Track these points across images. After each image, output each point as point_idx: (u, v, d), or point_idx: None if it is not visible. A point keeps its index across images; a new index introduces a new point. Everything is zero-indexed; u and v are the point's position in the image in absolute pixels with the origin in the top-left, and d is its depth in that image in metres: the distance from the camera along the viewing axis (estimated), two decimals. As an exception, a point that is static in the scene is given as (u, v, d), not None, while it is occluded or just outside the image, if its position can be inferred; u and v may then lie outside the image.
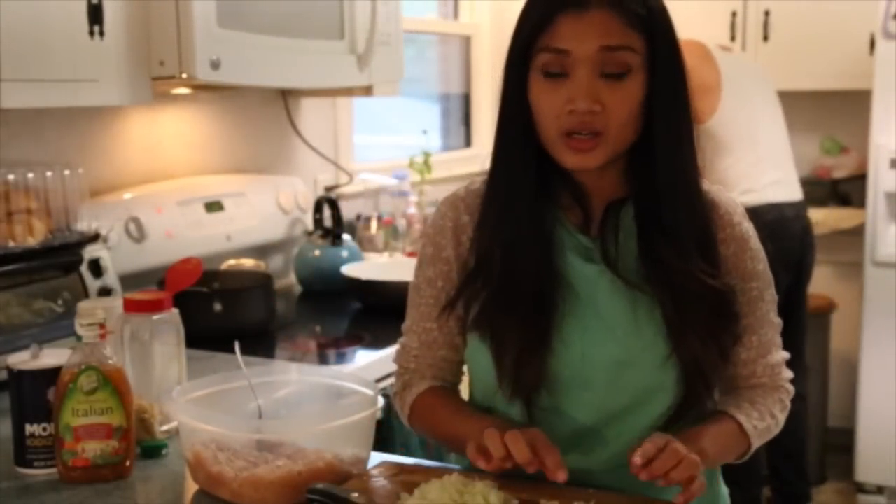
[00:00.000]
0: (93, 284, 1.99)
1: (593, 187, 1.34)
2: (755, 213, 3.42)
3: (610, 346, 1.30)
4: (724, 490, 1.47)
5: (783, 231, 3.26)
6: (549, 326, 1.30)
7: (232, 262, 2.55)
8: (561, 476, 1.18)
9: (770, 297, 1.40)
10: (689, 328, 1.28)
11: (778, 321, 1.41)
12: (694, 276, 1.28)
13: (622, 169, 1.32)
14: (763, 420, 1.36)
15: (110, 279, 2.04)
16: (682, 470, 1.17)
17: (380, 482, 1.31)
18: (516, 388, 1.31)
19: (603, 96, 1.23)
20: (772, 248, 3.39)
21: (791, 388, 1.42)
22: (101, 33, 1.85)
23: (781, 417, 1.40)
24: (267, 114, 2.87)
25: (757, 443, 1.36)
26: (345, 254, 2.76)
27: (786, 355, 1.42)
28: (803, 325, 3.45)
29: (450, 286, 1.38)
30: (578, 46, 1.23)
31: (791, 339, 3.33)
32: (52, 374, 1.39)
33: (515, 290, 1.30)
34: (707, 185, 1.36)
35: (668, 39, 1.28)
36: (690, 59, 3.43)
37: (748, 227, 1.39)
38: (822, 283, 4.03)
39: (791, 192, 3.35)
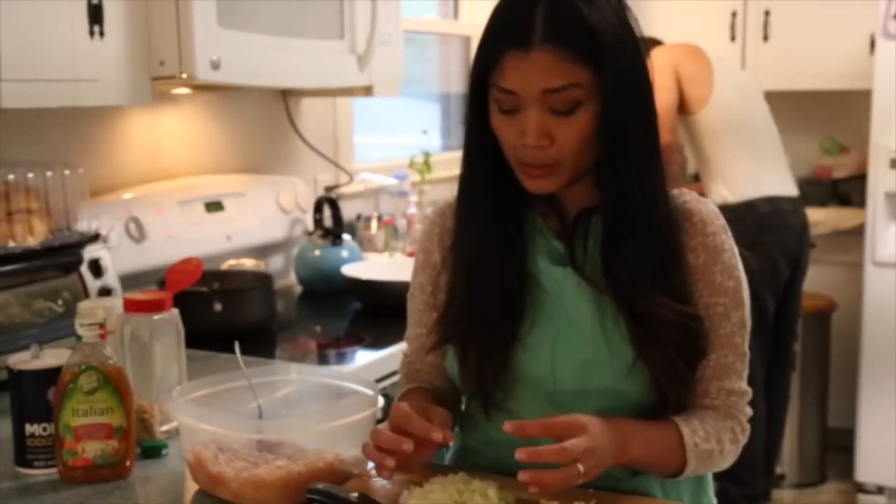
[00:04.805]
0: (93, 284, 1.99)
1: (566, 197, 1.35)
2: (751, 206, 3.49)
3: (578, 346, 1.30)
4: (713, 501, 1.46)
5: (781, 224, 3.29)
6: (516, 331, 1.32)
7: (232, 262, 2.55)
8: (437, 436, 1.19)
9: (738, 321, 1.33)
10: (651, 342, 1.27)
11: (745, 351, 1.35)
12: (650, 303, 1.27)
13: (593, 178, 1.32)
14: (708, 442, 1.29)
15: (110, 279, 2.04)
16: (556, 481, 1.15)
17: (380, 482, 1.31)
18: (477, 384, 1.33)
19: (553, 131, 1.24)
20: (770, 240, 3.43)
21: (746, 427, 1.36)
22: (101, 33, 1.85)
23: (730, 449, 1.33)
24: (267, 114, 2.87)
25: (694, 463, 1.29)
26: (345, 254, 2.76)
27: (748, 389, 1.36)
28: (795, 320, 3.47)
29: (438, 291, 1.40)
30: (524, 87, 1.23)
31: (781, 333, 3.37)
32: (52, 374, 1.39)
33: (479, 309, 1.33)
34: (686, 194, 1.35)
35: (619, 66, 1.24)
36: (681, 56, 3.47)
37: (724, 240, 1.33)
38: (822, 283, 4.02)
39: (788, 187, 3.37)
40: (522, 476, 1.14)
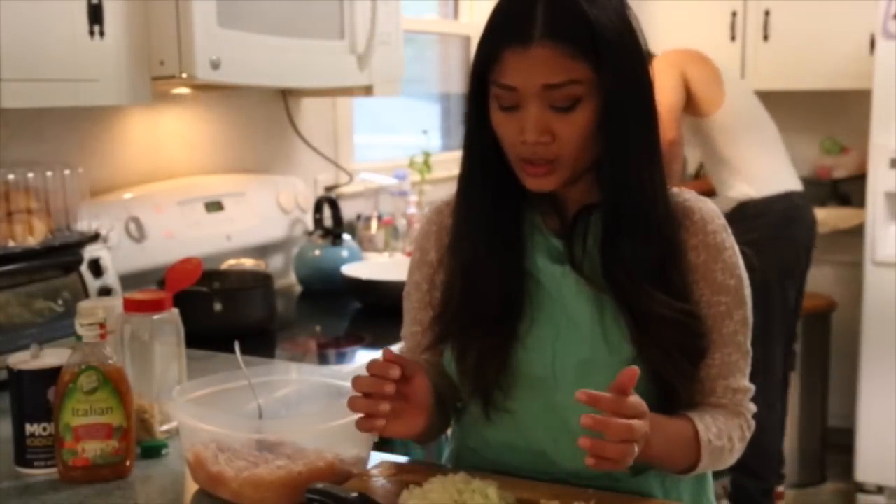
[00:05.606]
0: (93, 284, 1.99)
1: (566, 195, 1.35)
2: (773, 201, 3.55)
3: (578, 345, 1.30)
4: (713, 501, 1.47)
5: (798, 217, 3.35)
6: (516, 330, 1.32)
7: (232, 261, 2.55)
8: (394, 373, 1.18)
9: (740, 319, 1.34)
10: (651, 340, 1.27)
11: (748, 349, 1.36)
12: (650, 301, 1.27)
13: (593, 177, 1.32)
14: (720, 439, 1.30)
15: (110, 279, 2.04)
16: (616, 454, 1.12)
17: (380, 482, 1.31)
18: (476, 384, 1.33)
19: (554, 127, 1.24)
20: (793, 233, 3.51)
21: (752, 423, 1.37)
22: (101, 33, 1.85)
23: (738, 447, 1.34)
24: (267, 114, 2.87)
25: (706, 460, 1.29)
26: (345, 254, 2.76)
27: (751, 386, 1.37)
28: (799, 312, 3.51)
29: (435, 290, 1.40)
30: (523, 83, 1.23)
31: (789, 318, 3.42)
32: (52, 373, 1.39)
33: (478, 308, 1.32)
34: (686, 193, 1.36)
35: (619, 63, 1.24)
36: (687, 59, 3.49)
37: (725, 239, 1.33)
38: (822, 283, 4.03)
39: (796, 182, 3.43)
40: (584, 442, 1.11)
